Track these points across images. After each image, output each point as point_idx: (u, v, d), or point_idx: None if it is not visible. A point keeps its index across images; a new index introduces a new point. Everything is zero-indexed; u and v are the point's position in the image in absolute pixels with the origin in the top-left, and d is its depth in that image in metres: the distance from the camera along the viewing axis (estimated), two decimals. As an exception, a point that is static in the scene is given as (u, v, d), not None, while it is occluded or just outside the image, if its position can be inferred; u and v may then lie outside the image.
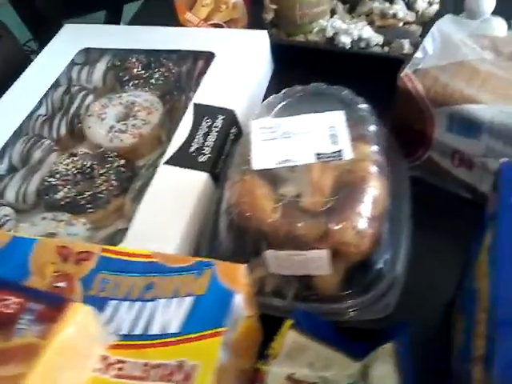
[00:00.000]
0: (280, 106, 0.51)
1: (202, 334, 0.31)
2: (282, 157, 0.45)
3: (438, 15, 0.68)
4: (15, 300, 0.30)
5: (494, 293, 0.28)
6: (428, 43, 0.52)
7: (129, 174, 0.56)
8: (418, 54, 0.52)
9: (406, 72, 0.51)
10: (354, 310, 0.42)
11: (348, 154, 0.44)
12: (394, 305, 0.42)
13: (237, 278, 0.34)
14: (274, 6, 0.69)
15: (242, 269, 0.35)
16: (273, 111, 0.50)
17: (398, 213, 0.47)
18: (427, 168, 0.54)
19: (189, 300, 0.33)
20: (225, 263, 0.35)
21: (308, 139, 0.46)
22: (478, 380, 0.29)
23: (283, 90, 0.52)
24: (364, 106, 0.50)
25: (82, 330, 0.29)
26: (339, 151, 0.44)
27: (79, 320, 0.29)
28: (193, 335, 0.32)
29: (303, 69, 0.66)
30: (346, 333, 0.42)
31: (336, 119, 0.47)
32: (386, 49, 0.66)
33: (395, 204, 0.47)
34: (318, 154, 0.44)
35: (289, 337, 0.40)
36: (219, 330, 0.32)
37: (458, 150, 0.51)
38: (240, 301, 0.34)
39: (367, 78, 0.57)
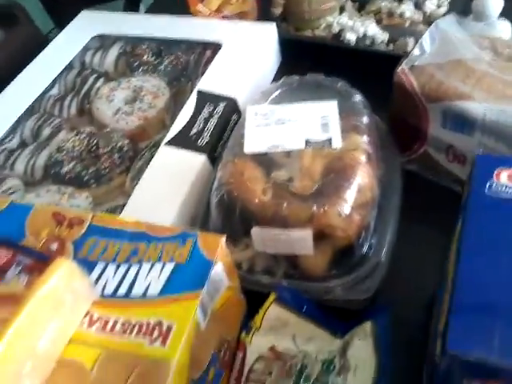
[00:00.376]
0: (277, 93, 0.52)
1: (179, 296, 0.33)
2: (272, 142, 0.46)
3: (448, 16, 0.69)
4: (6, 253, 0.32)
5: (456, 276, 0.29)
6: (426, 41, 0.53)
7: (131, 154, 0.58)
8: (416, 51, 0.53)
9: (402, 68, 0.52)
10: (336, 290, 0.43)
11: (337, 143, 0.46)
12: (376, 288, 0.43)
13: (216, 249, 0.36)
14: (283, 1, 0.71)
15: (221, 240, 0.36)
16: (269, 98, 0.52)
17: (387, 202, 0.48)
18: (423, 162, 0.55)
19: (170, 266, 0.35)
20: (206, 234, 0.37)
21: (300, 126, 0.47)
22: (438, 354, 0.30)
23: (281, 79, 0.54)
24: (359, 98, 0.51)
25: (65, 283, 0.31)
26: (329, 139, 0.46)
27: (63, 273, 0.31)
28: (171, 297, 0.33)
29: (309, 62, 0.67)
30: (330, 311, 0.43)
31: (329, 109, 0.48)
32: (392, 47, 0.67)
33: (385, 194, 0.48)
34: (308, 141, 0.46)
35: (272, 311, 0.42)
36: (196, 293, 0.33)
37: (452, 146, 0.52)
38: (219, 270, 0.36)
39: (369, 74, 0.58)
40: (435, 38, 0.54)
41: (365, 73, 0.59)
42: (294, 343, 0.40)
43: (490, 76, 0.51)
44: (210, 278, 0.35)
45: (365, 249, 0.44)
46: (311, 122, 0.48)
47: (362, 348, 0.38)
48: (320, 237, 0.44)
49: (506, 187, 0.32)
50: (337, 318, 0.43)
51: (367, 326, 0.40)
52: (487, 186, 0.32)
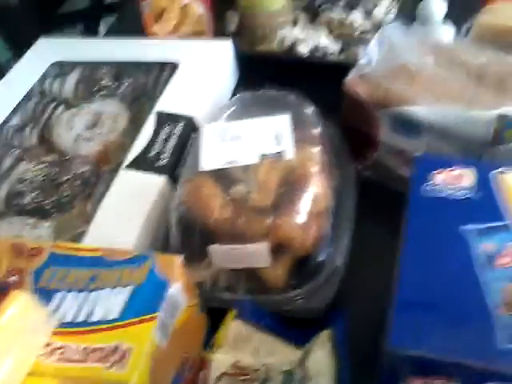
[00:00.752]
0: (231, 110, 0.54)
1: (137, 319, 0.34)
2: (228, 158, 0.47)
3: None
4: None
5: (398, 275, 0.31)
6: (372, 49, 0.55)
7: (93, 180, 0.59)
8: (363, 60, 0.55)
9: (350, 77, 0.54)
10: (296, 300, 0.44)
11: (290, 155, 0.47)
12: (334, 295, 0.44)
13: (173, 269, 0.37)
14: (236, 18, 0.72)
15: (177, 260, 0.37)
16: (224, 115, 0.53)
17: (342, 210, 0.49)
18: (376, 168, 0.57)
19: (128, 289, 0.36)
20: (163, 255, 0.38)
21: (254, 141, 0.49)
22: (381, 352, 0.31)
23: (236, 96, 0.55)
24: (311, 109, 0.53)
25: (22, 315, 0.32)
26: (282, 152, 0.47)
27: (19, 306, 0.32)
28: (129, 321, 0.34)
29: (265, 77, 0.69)
30: (290, 322, 0.44)
31: (281, 122, 0.50)
32: (343, 56, 0.69)
33: (340, 202, 0.50)
34: (262, 155, 0.47)
35: (233, 327, 0.42)
36: (153, 315, 0.34)
37: (402, 150, 0.54)
38: (177, 290, 0.37)
39: (323, 85, 0.60)
40: (381, 45, 0.56)
41: (319, 84, 0.61)
42: (256, 357, 0.41)
43: (434, 80, 0.53)
44: (168, 298, 0.35)
45: (322, 257, 0.46)
46: (265, 136, 0.49)
47: (320, 356, 0.39)
48: (278, 248, 0.46)
49: (442, 186, 0.34)
50: (298, 328, 0.44)
51: (325, 333, 0.41)
52: (425, 185, 0.34)
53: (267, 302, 0.45)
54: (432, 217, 0.32)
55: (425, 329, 0.28)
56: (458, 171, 0.34)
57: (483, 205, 0.33)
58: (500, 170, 0.35)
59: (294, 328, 0.44)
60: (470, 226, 0.31)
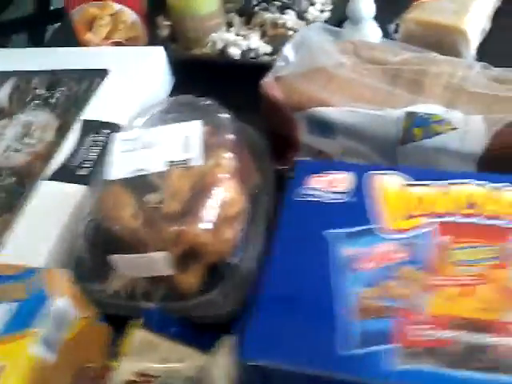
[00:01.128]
0: (147, 117, 0.53)
1: (13, 335, 0.34)
2: (137, 166, 0.47)
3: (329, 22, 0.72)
4: None
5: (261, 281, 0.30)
6: (289, 51, 0.55)
7: (19, 191, 0.58)
8: (280, 62, 0.55)
9: (267, 79, 0.53)
10: (206, 306, 0.44)
11: (199, 161, 0.47)
12: (245, 299, 0.44)
13: (59, 283, 0.36)
14: (168, 23, 0.72)
15: (63, 273, 0.37)
16: (139, 122, 0.53)
17: (258, 213, 0.49)
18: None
19: (11, 305, 0.35)
20: (50, 269, 0.38)
21: (164, 149, 0.48)
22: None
23: (153, 102, 0.55)
24: (225, 115, 0.52)
25: None
26: (191, 159, 0.47)
27: None
28: (7, 338, 0.34)
29: (199, 81, 0.69)
30: (200, 328, 0.44)
31: (193, 129, 0.49)
32: (276, 58, 0.69)
33: (257, 205, 0.49)
34: (171, 162, 0.47)
35: (138, 335, 0.42)
36: (30, 331, 0.34)
37: (321, 151, 0.53)
38: (63, 303, 0.36)
39: (252, 87, 0.60)
40: (300, 46, 0.56)
41: (251, 86, 0.60)
42: (162, 365, 0.41)
43: (350, 80, 0.53)
44: (52, 312, 0.35)
45: (234, 261, 0.45)
46: (175, 143, 0.49)
47: (221, 361, 0.39)
48: (190, 255, 0.45)
49: (316, 190, 0.33)
50: (209, 334, 0.43)
51: (227, 339, 0.40)
52: (300, 189, 0.34)
53: (176, 308, 0.44)
54: (302, 220, 0.32)
55: (276, 338, 0.27)
56: (334, 176, 0.34)
57: (353, 209, 0.32)
58: (377, 172, 0.34)
59: (205, 334, 0.44)
60: (334, 230, 0.31)
